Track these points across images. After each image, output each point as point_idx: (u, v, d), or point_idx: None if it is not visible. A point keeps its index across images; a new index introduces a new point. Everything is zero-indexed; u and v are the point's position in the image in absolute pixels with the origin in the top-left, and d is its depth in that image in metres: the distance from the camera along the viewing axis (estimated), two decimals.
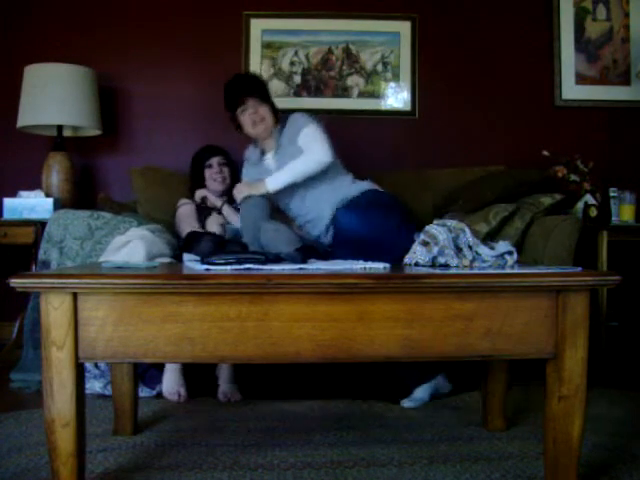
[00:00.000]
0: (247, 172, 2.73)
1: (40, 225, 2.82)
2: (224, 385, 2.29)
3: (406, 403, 2.18)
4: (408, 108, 3.51)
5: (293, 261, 1.62)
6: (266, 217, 2.35)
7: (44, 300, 1.28)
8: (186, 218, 2.76)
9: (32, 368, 2.42)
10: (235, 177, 2.94)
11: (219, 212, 2.77)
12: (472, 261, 1.62)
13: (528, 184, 2.81)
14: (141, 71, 3.45)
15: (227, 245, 2.21)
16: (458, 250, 1.64)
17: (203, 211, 2.78)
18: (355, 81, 3.51)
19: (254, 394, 2.26)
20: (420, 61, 3.51)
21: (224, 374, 2.31)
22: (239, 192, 2.49)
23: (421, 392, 2.21)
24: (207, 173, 2.88)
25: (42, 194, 3.04)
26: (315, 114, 3.45)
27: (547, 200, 2.73)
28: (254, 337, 1.32)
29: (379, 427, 1.93)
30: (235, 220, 2.71)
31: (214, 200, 2.82)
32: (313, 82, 3.50)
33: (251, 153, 2.74)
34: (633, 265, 3.36)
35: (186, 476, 1.55)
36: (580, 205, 3.16)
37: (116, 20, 3.43)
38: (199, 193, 2.86)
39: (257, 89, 2.57)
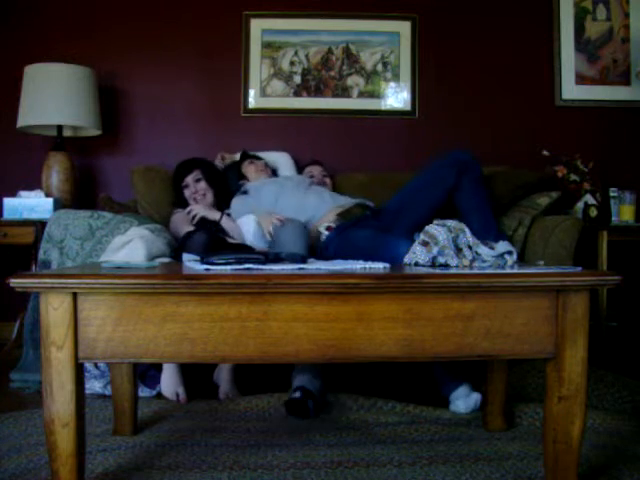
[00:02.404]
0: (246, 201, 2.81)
1: (40, 225, 2.82)
2: (225, 385, 2.29)
3: (459, 407, 2.06)
4: (408, 108, 3.51)
5: (293, 261, 1.62)
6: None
7: (44, 300, 1.28)
8: (182, 222, 2.74)
9: (32, 368, 2.42)
10: (219, 185, 2.91)
11: (219, 225, 2.75)
12: (472, 261, 1.63)
13: (526, 187, 2.81)
14: (141, 71, 3.45)
15: (244, 249, 2.20)
16: (458, 250, 1.64)
17: (199, 223, 2.76)
18: (355, 81, 3.51)
19: (254, 392, 2.26)
20: (420, 61, 3.51)
21: (224, 375, 2.30)
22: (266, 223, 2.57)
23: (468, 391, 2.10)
24: (186, 194, 2.88)
25: (42, 194, 3.04)
26: (315, 114, 3.49)
27: (544, 200, 2.73)
28: (254, 337, 1.32)
29: (379, 427, 1.93)
30: (236, 231, 2.69)
31: (212, 215, 2.74)
32: (313, 82, 3.50)
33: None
34: (633, 265, 3.36)
35: (186, 476, 1.55)
36: (580, 205, 3.17)
37: (116, 20, 3.44)
38: (194, 211, 2.76)
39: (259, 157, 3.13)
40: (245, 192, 2.84)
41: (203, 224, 2.74)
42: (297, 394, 2.03)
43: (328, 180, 3.07)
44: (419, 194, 2.50)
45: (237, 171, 3.05)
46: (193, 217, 2.75)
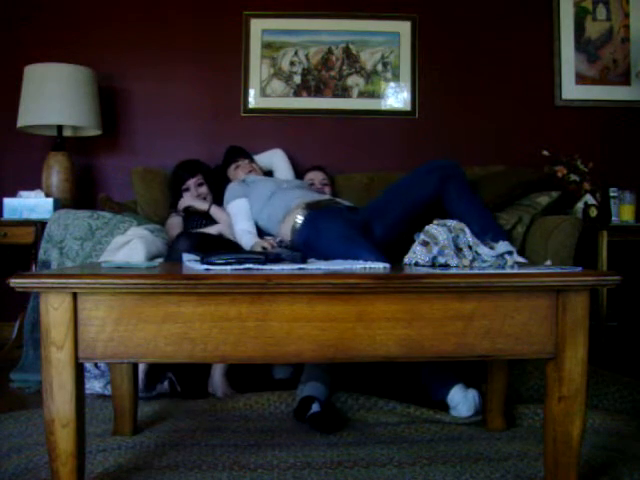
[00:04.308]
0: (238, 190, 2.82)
1: (40, 225, 2.82)
2: (221, 388, 2.29)
3: (462, 412, 2.01)
4: (408, 108, 3.51)
5: (293, 261, 1.62)
6: None
7: (44, 300, 1.28)
8: (174, 226, 2.76)
9: (32, 368, 2.42)
10: (216, 189, 2.93)
11: (208, 214, 2.77)
12: (472, 261, 1.62)
13: (525, 185, 2.81)
14: (141, 71, 3.45)
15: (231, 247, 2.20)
16: (458, 250, 1.64)
17: (190, 222, 2.78)
18: (355, 81, 3.51)
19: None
20: (420, 61, 3.51)
21: (217, 379, 2.30)
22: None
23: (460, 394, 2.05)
24: (186, 196, 2.88)
25: (42, 194, 3.04)
26: (315, 114, 3.49)
27: (544, 199, 2.73)
28: (254, 337, 1.32)
29: (379, 427, 1.93)
30: (224, 219, 2.71)
31: (199, 205, 2.81)
32: (313, 82, 3.50)
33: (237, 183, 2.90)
34: (633, 265, 3.36)
35: (186, 476, 1.55)
36: (580, 205, 3.16)
37: (116, 20, 3.44)
38: (182, 203, 2.84)
39: (248, 155, 3.11)
40: (243, 181, 2.86)
41: (192, 214, 2.77)
42: (316, 407, 1.95)
43: (327, 189, 3.03)
44: (398, 196, 2.49)
45: (224, 176, 3.03)
46: (184, 208, 2.81)
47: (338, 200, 2.69)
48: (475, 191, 2.49)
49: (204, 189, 2.90)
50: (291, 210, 2.54)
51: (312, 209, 2.49)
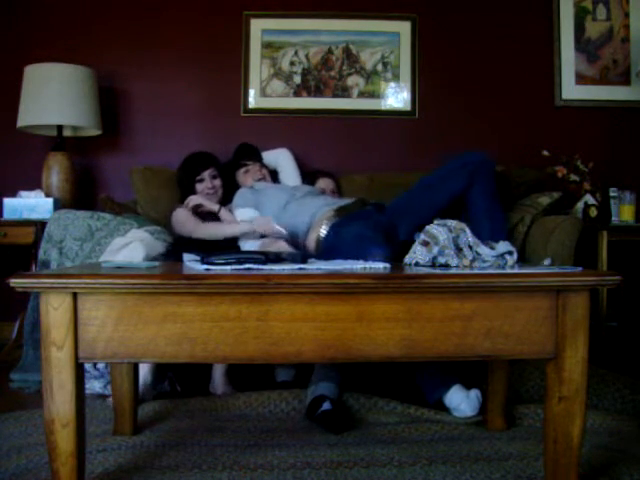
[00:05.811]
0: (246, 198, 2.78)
1: (40, 225, 2.82)
2: (222, 388, 2.30)
3: (465, 412, 1.99)
4: (408, 108, 3.51)
5: (293, 261, 1.62)
6: None
7: (44, 300, 1.28)
8: (190, 218, 2.69)
9: (32, 368, 2.42)
10: (227, 183, 2.91)
11: (216, 216, 2.75)
12: (472, 261, 1.62)
13: (526, 185, 2.81)
14: (141, 71, 3.45)
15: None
16: (458, 250, 1.64)
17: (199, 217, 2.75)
18: (355, 81, 3.51)
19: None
20: (420, 61, 3.51)
21: (218, 378, 2.31)
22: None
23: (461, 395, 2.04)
24: (199, 188, 2.85)
25: (42, 194, 3.04)
26: (315, 114, 3.48)
27: (545, 200, 2.73)
28: (254, 337, 1.32)
29: (379, 427, 1.93)
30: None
31: (210, 205, 2.75)
32: (313, 82, 3.50)
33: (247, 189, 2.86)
34: (633, 265, 3.36)
35: (186, 476, 1.55)
36: (580, 205, 3.17)
37: (116, 20, 3.44)
38: (193, 200, 2.76)
39: (259, 156, 3.08)
40: (252, 187, 2.83)
41: (201, 215, 2.74)
42: (327, 405, 1.94)
43: (336, 196, 2.98)
44: (426, 193, 2.46)
45: (232, 178, 2.98)
46: (193, 206, 2.74)
47: (366, 199, 2.65)
48: (497, 192, 2.45)
49: (218, 182, 2.87)
50: (319, 219, 2.50)
51: (341, 215, 2.46)
